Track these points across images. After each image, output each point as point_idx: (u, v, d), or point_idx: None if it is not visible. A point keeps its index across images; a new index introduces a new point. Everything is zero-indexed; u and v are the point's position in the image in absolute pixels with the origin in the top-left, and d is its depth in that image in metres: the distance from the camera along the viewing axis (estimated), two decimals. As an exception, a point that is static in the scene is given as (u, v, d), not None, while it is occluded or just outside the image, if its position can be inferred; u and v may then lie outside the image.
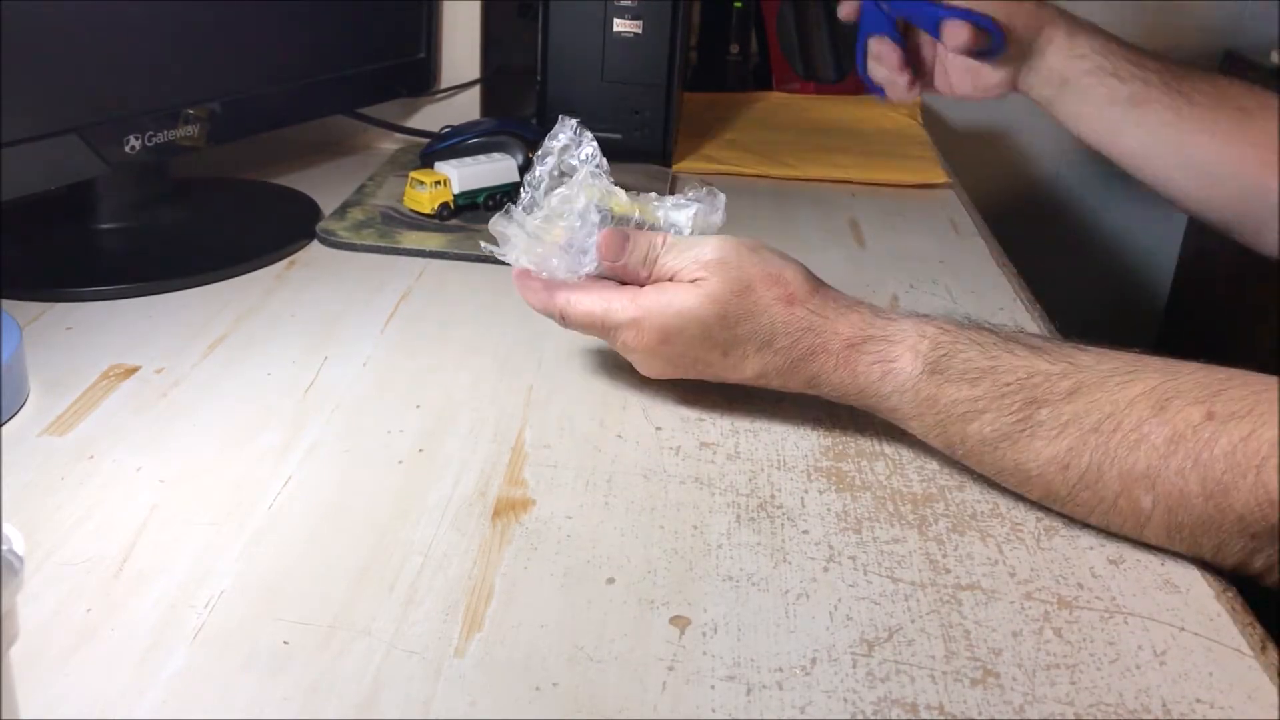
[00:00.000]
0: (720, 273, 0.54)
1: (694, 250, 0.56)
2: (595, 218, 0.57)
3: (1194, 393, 0.46)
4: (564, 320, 0.58)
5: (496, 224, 0.59)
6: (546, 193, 0.59)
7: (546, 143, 0.60)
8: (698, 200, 0.60)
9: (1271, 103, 0.76)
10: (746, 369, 0.55)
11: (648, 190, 0.62)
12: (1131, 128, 0.77)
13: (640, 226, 0.59)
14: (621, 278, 0.57)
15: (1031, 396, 0.49)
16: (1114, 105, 0.77)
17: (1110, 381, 0.48)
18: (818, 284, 0.56)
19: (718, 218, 0.60)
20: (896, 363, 0.52)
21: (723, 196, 0.60)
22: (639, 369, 0.58)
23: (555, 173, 0.59)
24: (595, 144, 0.60)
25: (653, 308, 0.55)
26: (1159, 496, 0.46)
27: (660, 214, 0.60)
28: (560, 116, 0.60)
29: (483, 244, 0.60)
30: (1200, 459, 0.45)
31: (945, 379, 0.51)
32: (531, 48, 1.01)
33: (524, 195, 0.59)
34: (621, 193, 0.59)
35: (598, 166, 0.59)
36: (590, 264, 0.57)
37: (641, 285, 0.57)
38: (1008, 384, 0.49)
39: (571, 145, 0.60)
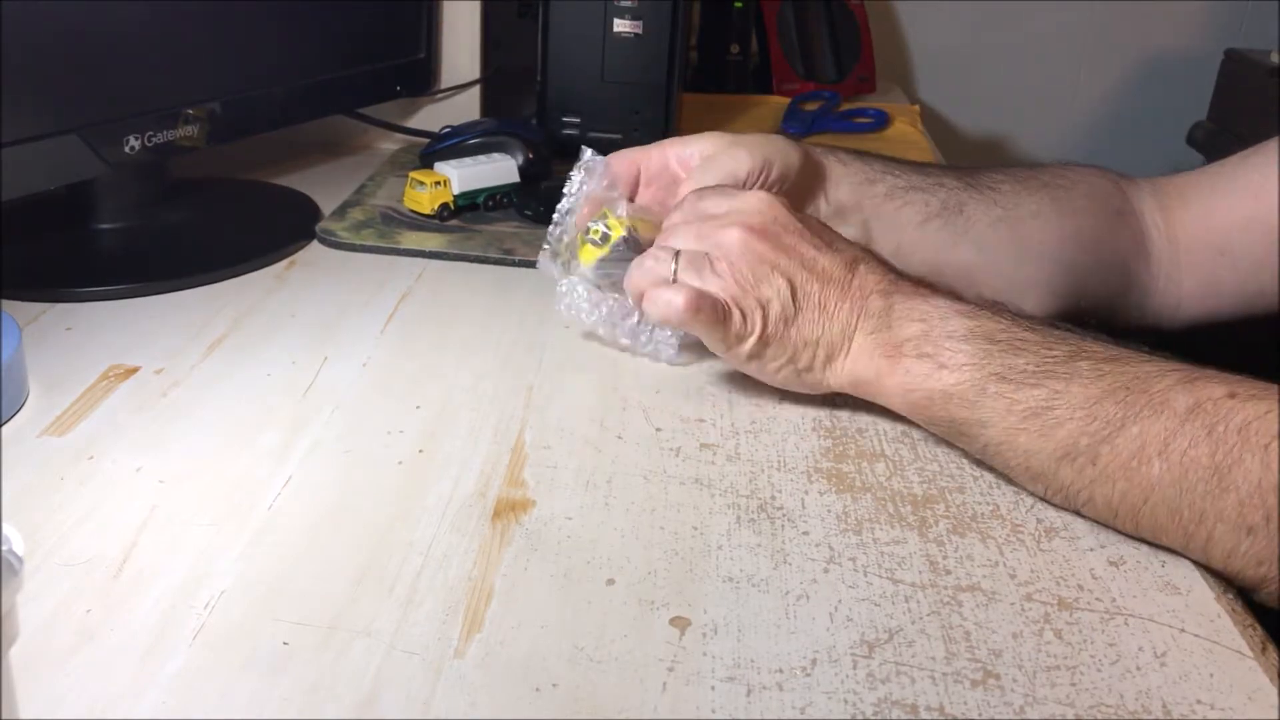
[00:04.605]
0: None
1: None
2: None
3: (1219, 377, 0.48)
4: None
5: (544, 265, 0.66)
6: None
7: (566, 189, 0.65)
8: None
9: (1069, 170, 0.73)
10: (846, 254, 0.57)
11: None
12: (959, 236, 0.68)
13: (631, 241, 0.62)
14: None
15: (1076, 350, 0.51)
16: (930, 220, 0.68)
17: (1146, 359, 0.50)
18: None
19: None
20: (964, 298, 0.55)
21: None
22: (725, 265, 0.56)
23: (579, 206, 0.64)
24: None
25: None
26: (1170, 463, 0.46)
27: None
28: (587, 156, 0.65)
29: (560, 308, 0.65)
30: (1215, 430, 0.46)
31: (1005, 319, 0.54)
32: (531, 48, 1.01)
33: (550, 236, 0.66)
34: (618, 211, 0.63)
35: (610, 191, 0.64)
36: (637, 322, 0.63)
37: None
38: (1055, 337, 0.52)
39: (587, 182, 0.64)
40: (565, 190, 0.65)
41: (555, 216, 0.65)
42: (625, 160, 0.66)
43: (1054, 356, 0.51)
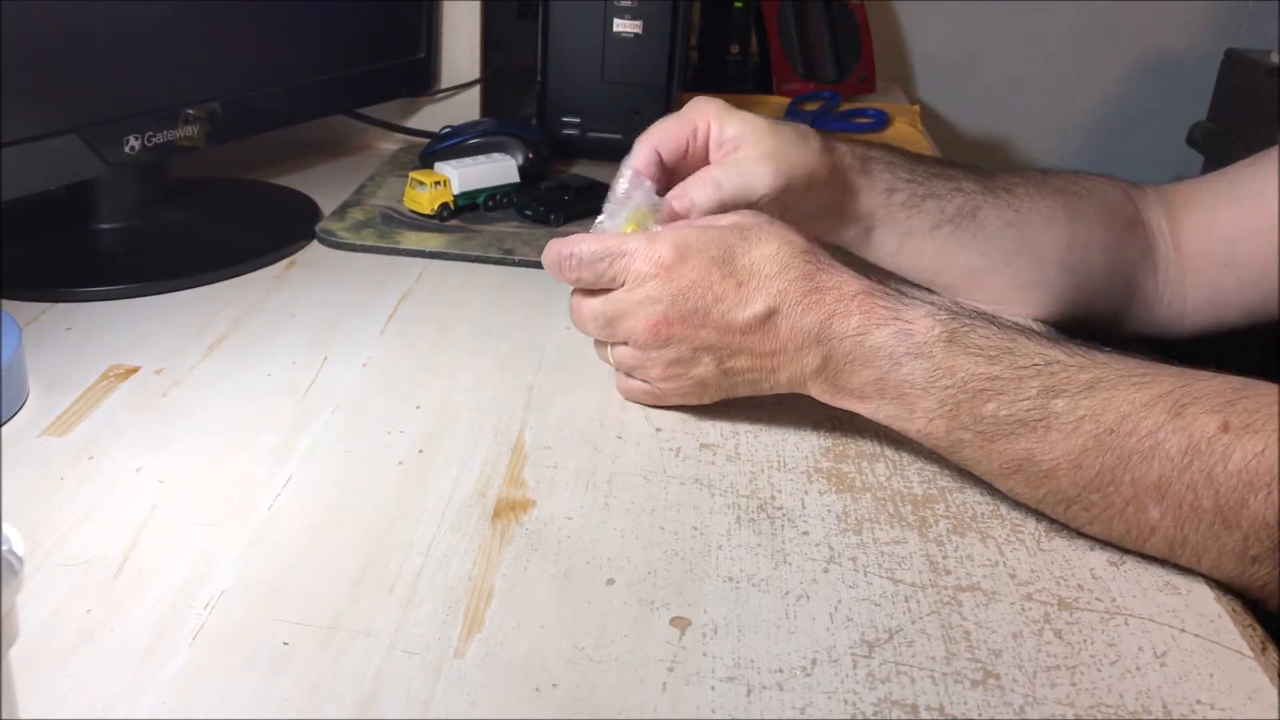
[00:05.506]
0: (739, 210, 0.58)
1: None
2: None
3: (1209, 400, 0.45)
4: (574, 259, 0.56)
5: None
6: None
7: (609, 202, 0.62)
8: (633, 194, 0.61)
9: (1082, 178, 0.72)
10: (758, 301, 0.53)
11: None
12: (968, 241, 0.68)
13: None
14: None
15: (1049, 384, 0.48)
16: (941, 226, 0.68)
17: (1127, 381, 0.47)
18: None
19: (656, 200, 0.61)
20: (914, 324, 0.50)
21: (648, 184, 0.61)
22: (633, 323, 0.55)
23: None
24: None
25: (669, 229, 0.56)
26: (1168, 509, 0.45)
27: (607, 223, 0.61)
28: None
29: None
30: (1214, 474, 0.44)
31: (964, 349, 0.49)
32: (531, 48, 1.01)
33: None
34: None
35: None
36: None
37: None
38: (1024, 367, 0.48)
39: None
40: (609, 203, 0.62)
41: (596, 228, 0.63)
42: (673, 136, 0.64)
43: (1027, 398, 0.47)
